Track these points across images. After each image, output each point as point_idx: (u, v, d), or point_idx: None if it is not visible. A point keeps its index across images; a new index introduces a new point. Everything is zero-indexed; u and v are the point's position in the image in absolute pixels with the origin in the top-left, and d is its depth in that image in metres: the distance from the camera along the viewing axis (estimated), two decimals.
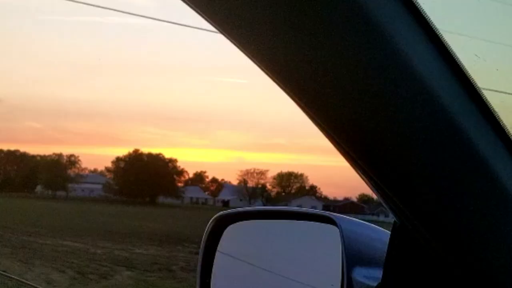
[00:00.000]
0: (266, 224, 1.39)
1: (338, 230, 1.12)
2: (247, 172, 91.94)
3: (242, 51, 0.64)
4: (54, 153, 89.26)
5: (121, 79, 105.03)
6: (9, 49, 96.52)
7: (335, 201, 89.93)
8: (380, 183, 0.67)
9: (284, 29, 0.59)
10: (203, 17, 0.62)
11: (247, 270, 1.40)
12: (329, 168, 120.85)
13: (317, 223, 1.23)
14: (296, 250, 1.33)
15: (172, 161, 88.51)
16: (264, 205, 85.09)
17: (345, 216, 1.19)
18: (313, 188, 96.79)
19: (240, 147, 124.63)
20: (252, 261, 1.39)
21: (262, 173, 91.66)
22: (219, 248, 1.35)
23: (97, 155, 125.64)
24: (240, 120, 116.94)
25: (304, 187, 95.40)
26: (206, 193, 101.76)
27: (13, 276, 12.15)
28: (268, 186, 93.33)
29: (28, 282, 11.88)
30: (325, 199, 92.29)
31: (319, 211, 1.27)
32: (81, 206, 53.06)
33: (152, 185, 78.43)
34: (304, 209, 1.33)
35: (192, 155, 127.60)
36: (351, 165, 0.70)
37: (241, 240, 1.41)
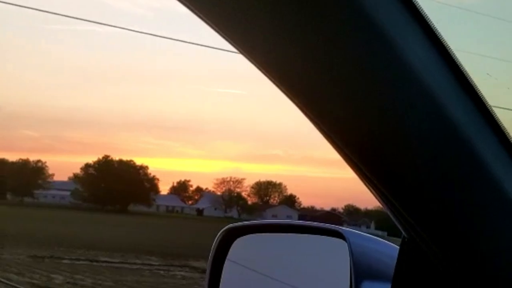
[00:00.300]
0: (275, 237, 1.40)
1: (346, 244, 1.13)
2: (223, 181, 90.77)
3: (249, 59, 0.64)
4: (20, 159, 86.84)
5: (119, 89, 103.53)
6: (7, 57, 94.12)
7: (313, 210, 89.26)
8: (388, 196, 0.68)
9: (291, 38, 0.59)
10: (209, 25, 0.62)
11: (255, 283, 1.40)
12: (326, 180, 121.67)
13: (326, 237, 1.24)
14: (305, 263, 1.33)
15: (143, 168, 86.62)
16: (239, 214, 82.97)
17: (353, 230, 1.20)
18: (292, 198, 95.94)
19: (237, 158, 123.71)
20: (260, 273, 1.38)
21: (238, 182, 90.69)
22: (227, 260, 1.35)
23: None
24: (238, 131, 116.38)
25: (284, 196, 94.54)
26: (190, 202, 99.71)
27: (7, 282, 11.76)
28: (244, 195, 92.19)
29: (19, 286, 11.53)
30: (310, 209, 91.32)
31: (328, 225, 1.27)
32: (29, 212, 50.20)
33: (124, 192, 76.42)
34: (312, 223, 1.33)
35: (189, 166, 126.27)
36: (359, 176, 0.71)
37: (250, 253, 1.41)
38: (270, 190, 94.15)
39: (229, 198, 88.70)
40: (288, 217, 77.06)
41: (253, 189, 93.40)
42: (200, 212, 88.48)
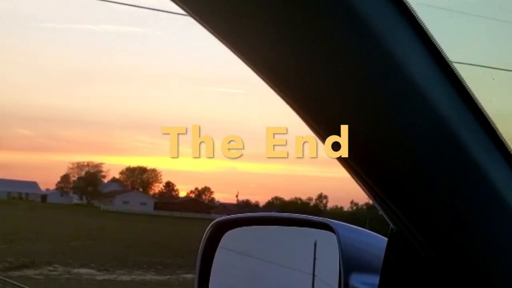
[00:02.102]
0: (264, 230, 1.40)
1: (335, 236, 1.14)
2: (79, 165, 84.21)
3: (241, 59, 0.65)
4: None
5: (114, 88, 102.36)
6: (1, 57, 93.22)
7: (174, 197, 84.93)
8: (376, 189, 0.68)
9: (284, 38, 0.60)
10: (202, 25, 0.62)
11: (244, 276, 1.40)
12: (320, 179, 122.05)
13: (315, 229, 1.24)
14: (294, 256, 1.34)
15: None
16: (88, 200, 74.30)
17: (342, 223, 1.21)
18: (169, 185, 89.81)
19: None
20: (250, 267, 1.39)
21: (97, 166, 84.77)
22: (217, 254, 1.35)
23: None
24: (235, 130, 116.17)
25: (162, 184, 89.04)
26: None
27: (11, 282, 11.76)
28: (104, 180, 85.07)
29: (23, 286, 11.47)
30: (168, 196, 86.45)
31: (316, 217, 1.28)
32: None
33: None
34: (302, 216, 1.34)
35: (185, 165, 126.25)
36: (347, 170, 0.71)
37: (239, 246, 1.41)
38: (145, 176, 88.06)
39: (85, 184, 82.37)
40: (142, 203, 73.29)
41: (122, 175, 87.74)
42: (43, 198, 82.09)
